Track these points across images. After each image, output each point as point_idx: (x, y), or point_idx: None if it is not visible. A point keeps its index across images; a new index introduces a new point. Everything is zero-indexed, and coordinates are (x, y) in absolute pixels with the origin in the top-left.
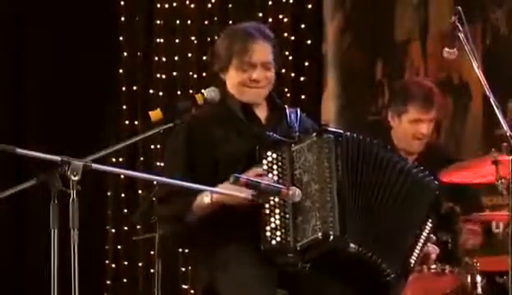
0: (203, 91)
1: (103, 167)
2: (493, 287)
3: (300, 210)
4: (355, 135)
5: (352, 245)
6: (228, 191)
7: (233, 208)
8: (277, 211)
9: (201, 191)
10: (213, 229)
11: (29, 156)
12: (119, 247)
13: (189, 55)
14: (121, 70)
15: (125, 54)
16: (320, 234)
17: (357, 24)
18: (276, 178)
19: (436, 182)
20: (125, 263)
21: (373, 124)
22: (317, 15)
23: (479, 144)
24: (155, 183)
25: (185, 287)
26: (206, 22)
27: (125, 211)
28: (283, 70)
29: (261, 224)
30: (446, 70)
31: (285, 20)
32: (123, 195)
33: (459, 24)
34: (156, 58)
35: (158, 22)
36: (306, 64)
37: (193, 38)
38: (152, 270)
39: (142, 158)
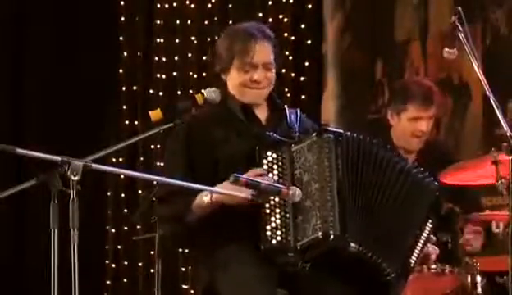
0: (203, 91)
1: (103, 167)
2: (493, 287)
3: (300, 209)
4: (355, 135)
5: (352, 244)
6: (228, 191)
7: (233, 208)
8: (277, 210)
9: (201, 191)
10: (213, 228)
11: (29, 156)
12: (119, 247)
13: (189, 55)
14: (121, 70)
15: (125, 54)
16: (320, 234)
17: (357, 24)
18: (276, 178)
19: (436, 183)
20: (125, 263)
21: (373, 123)
22: (317, 15)
23: (479, 144)
24: (155, 183)
25: (185, 287)
26: (206, 22)
27: (125, 211)
28: (283, 70)
29: (261, 223)
30: (446, 70)
31: (285, 20)
32: (123, 195)
33: (459, 25)
34: (156, 58)
35: (158, 22)
36: (306, 64)
37: (193, 38)
38: (152, 270)
39: (142, 158)
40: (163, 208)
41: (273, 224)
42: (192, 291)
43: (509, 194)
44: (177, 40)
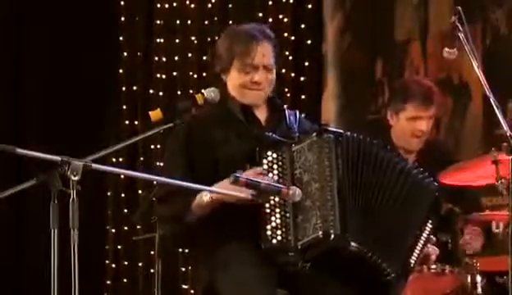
0: (203, 91)
1: (103, 167)
2: (493, 287)
3: (301, 209)
4: (355, 135)
5: (353, 244)
6: (228, 191)
7: (233, 206)
8: (278, 210)
9: (200, 191)
10: (213, 228)
11: (29, 156)
12: (119, 247)
13: (189, 55)
14: (121, 70)
15: (125, 54)
16: (321, 233)
17: (357, 24)
18: (276, 177)
19: (435, 183)
20: (125, 263)
21: (373, 123)
22: (317, 15)
23: (479, 144)
24: (155, 183)
25: (185, 287)
26: (206, 22)
27: (125, 211)
28: (283, 70)
29: (261, 223)
30: (446, 70)
31: (285, 20)
32: (123, 195)
33: (459, 24)
34: (156, 58)
35: (158, 22)
36: (306, 64)
37: (193, 38)
38: (152, 270)
39: (142, 158)
40: (163, 208)
41: (273, 224)
42: (192, 291)
43: (509, 194)
44: (177, 40)
